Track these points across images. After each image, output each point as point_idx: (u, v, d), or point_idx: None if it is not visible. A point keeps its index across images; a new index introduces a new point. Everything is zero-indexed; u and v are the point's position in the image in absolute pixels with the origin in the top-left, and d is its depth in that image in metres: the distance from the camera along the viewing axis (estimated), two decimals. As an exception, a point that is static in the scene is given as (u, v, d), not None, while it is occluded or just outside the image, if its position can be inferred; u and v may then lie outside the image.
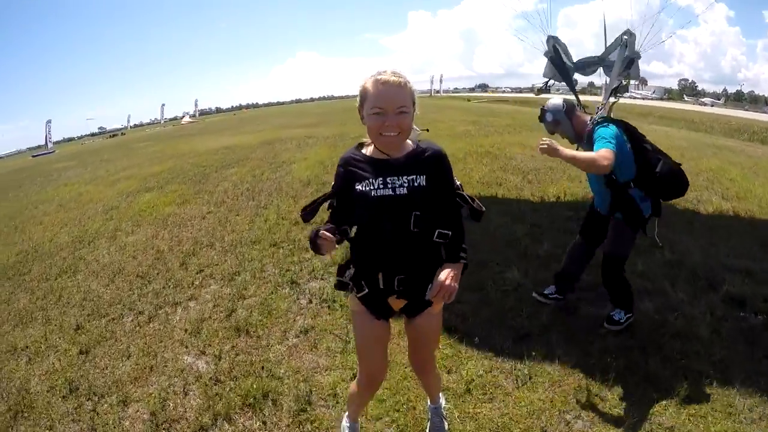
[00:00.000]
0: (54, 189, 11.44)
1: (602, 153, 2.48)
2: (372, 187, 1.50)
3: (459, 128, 12.85)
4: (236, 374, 2.74)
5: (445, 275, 1.46)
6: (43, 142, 42.49)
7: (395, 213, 1.49)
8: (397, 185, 1.49)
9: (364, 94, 1.49)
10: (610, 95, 3.58)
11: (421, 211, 1.49)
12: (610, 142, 2.53)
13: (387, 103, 1.43)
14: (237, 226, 5.62)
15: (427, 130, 1.69)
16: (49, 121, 42.18)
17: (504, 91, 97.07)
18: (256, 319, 3.36)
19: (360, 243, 1.60)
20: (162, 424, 2.41)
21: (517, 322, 3.10)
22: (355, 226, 1.60)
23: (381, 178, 1.50)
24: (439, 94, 62.52)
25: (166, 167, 11.13)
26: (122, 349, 3.20)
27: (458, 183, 1.61)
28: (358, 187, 1.52)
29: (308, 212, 1.62)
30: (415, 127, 1.58)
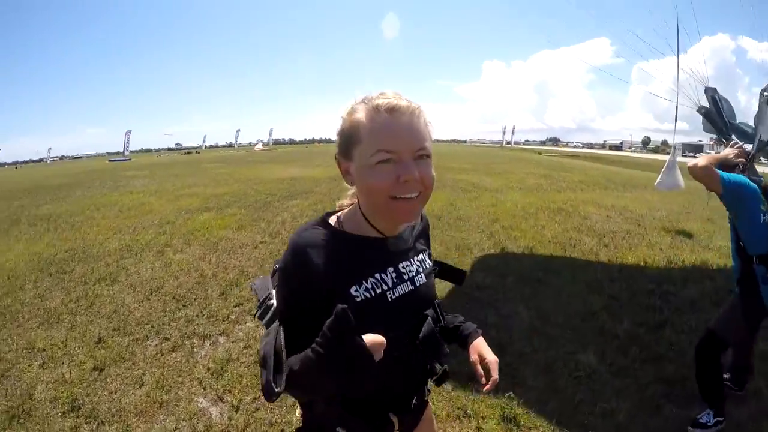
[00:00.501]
0: (119, 194, 12.65)
1: (712, 170, 2.39)
2: (386, 286, 1.06)
3: (530, 181, 13.62)
4: (250, 433, 2.59)
5: (489, 351, 1.24)
6: (122, 149, 48.79)
7: (418, 313, 1.11)
8: (413, 273, 1.13)
9: (353, 131, 0.99)
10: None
11: (437, 298, 1.21)
12: (728, 177, 2.41)
13: (400, 143, 0.95)
14: (288, 263, 5.67)
15: None
16: (129, 131, 50.12)
17: (575, 146, 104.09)
18: (287, 372, 3.23)
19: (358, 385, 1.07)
20: (154, 473, 2.31)
21: (590, 420, 2.78)
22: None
23: (392, 269, 1.09)
24: (510, 146, 68.63)
25: (230, 190, 11.90)
26: (137, 375, 3.21)
27: None
28: (359, 292, 1.02)
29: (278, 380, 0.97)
30: None
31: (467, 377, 3.01)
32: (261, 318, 1.07)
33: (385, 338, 0.95)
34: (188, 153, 64.33)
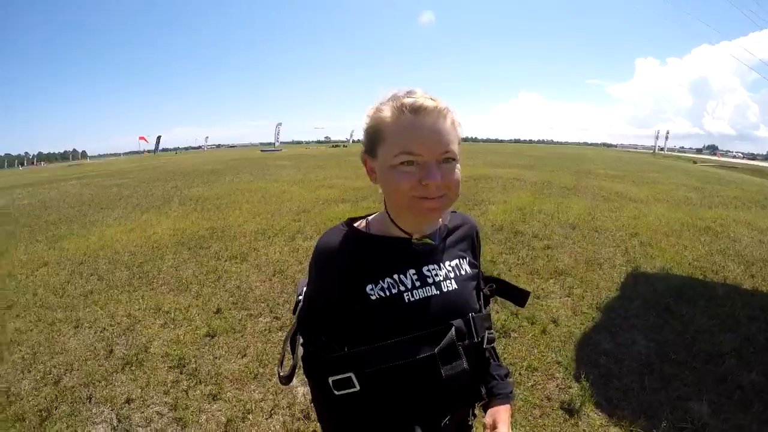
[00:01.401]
0: (264, 182, 14.21)
1: None
2: (404, 287, 1.07)
3: (679, 193, 13.43)
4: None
5: (505, 424, 1.17)
6: (273, 140, 55.93)
7: (443, 322, 1.08)
8: (441, 278, 1.12)
9: (378, 129, 1.03)
10: None
11: (475, 311, 1.16)
12: None
13: (425, 145, 0.98)
14: (412, 259, 5.84)
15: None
16: (279, 124, 58.72)
17: (735, 156, 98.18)
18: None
19: (377, 391, 1.10)
20: (231, 436, 2.61)
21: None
22: (363, 368, 1.07)
23: (413, 270, 1.09)
24: (662, 152, 67.15)
25: (368, 184, 12.48)
26: (242, 347, 3.58)
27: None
28: (374, 291, 1.05)
29: (290, 373, 1.21)
30: None
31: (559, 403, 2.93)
32: (294, 312, 1.18)
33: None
34: (335, 146, 69.46)
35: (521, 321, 3.98)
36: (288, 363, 1.18)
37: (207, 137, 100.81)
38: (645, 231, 7.81)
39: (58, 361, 3.38)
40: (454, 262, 1.16)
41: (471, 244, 1.25)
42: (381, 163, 1.02)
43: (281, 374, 1.13)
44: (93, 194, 13.17)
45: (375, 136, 1.03)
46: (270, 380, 3.11)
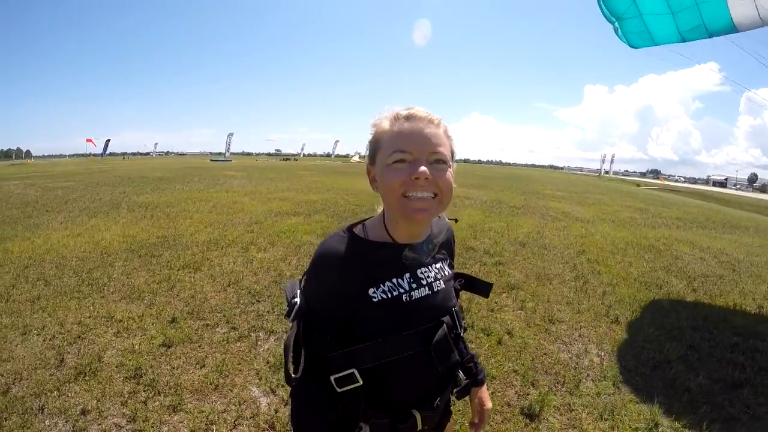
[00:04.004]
0: (215, 192, 13.83)
1: None
2: (402, 289, 1.16)
3: (624, 214, 13.95)
4: (295, 429, 2.66)
5: (488, 399, 1.51)
6: (224, 150, 55.17)
7: (435, 318, 1.20)
8: (431, 279, 1.23)
9: (377, 138, 1.14)
10: None
11: (455, 307, 1.31)
12: None
13: (416, 143, 1.07)
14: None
15: (456, 221, 1.46)
16: (230, 134, 57.19)
17: (677, 180, 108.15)
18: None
19: (377, 383, 1.17)
20: (196, 448, 2.49)
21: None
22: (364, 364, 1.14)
23: (408, 274, 1.19)
24: (608, 175, 70.37)
25: (320, 198, 12.55)
26: (200, 357, 3.45)
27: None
28: (377, 294, 1.13)
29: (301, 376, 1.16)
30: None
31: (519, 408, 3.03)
32: (288, 315, 1.19)
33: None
34: (286, 159, 68.95)
35: (477, 332, 4.08)
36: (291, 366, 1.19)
37: (156, 143, 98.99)
38: (592, 249, 8.16)
39: (6, 369, 3.15)
40: (438, 265, 1.28)
41: (450, 247, 1.38)
42: (378, 166, 1.12)
43: (294, 376, 1.14)
44: (38, 195, 12.41)
45: (375, 145, 1.14)
46: (232, 391, 3.02)
